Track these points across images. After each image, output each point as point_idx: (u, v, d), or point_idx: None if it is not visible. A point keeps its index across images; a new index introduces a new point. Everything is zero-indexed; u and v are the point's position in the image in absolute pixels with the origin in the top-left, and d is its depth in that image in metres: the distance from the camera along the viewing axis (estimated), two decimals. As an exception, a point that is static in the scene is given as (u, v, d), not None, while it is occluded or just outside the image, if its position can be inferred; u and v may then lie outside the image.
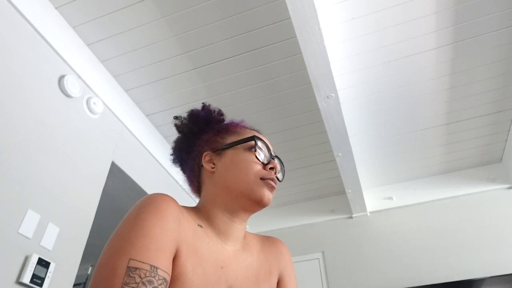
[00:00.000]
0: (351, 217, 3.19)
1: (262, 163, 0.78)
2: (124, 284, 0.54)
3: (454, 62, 2.16)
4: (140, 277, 0.55)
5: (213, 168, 0.80)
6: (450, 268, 2.68)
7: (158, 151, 2.57)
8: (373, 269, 2.89)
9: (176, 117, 0.89)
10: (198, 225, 0.73)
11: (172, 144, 0.91)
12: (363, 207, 3.09)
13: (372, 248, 2.98)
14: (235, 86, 2.29)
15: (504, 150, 2.85)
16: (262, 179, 0.76)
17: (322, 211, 3.29)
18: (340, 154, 2.51)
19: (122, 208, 1.76)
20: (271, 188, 0.77)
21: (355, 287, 2.87)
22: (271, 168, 0.79)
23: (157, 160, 2.56)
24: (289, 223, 3.32)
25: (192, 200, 1.15)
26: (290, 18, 1.71)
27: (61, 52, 1.84)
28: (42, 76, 1.74)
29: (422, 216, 2.97)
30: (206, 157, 0.81)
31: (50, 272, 1.52)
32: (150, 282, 0.55)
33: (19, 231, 1.45)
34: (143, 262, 0.57)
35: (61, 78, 1.83)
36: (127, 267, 0.55)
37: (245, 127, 0.86)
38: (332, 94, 2.07)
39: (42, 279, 1.48)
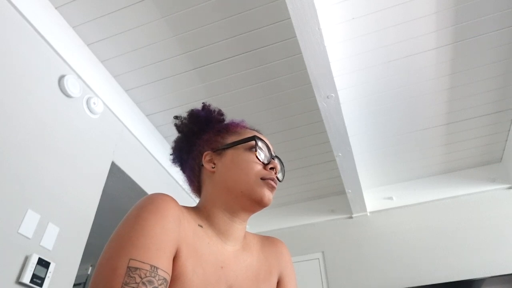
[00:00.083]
0: (351, 217, 3.19)
1: (263, 163, 0.78)
2: (124, 284, 0.54)
3: (454, 62, 2.16)
4: (140, 277, 0.55)
5: (213, 168, 0.80)
6: (450, 268, 2.68)
7: (158, 151, 2.57)
8: (373, 269, 2.89)
9: (176, 117, 0.89)
10: (199, 225, 0.73)
11: (172, 144, 0.91)
12: (363, 207, 3.09)
13: (372, 248, 2.98)
14: (235, 86, 2.29)
15: (504, 150, 2.85)
16: (262, 179, 0.76)
17: (322, 211, 3.29)
18: (340, 154, 2.51)
19: (122, 208, 1.76)
20: (271, 188, 0.77)
21: (355, 287, 2.87)
22: (271, 168, 0.79)
23: (157, 160, 2.56)
24: (289, 223, 3.32)
25: (192, 200, 1.15)
26: (290, 18, 1.71)
27: (61, 52, 1.84)
28: (42, 76, 1.74)
29: (422, 216, 2.97)
30: (206, 157, 0.81)
31: (50, 272, 1.52)
32: (150, 282, 0.55)
33: (19, 231, 1.45)
34: (143, 262, 0.57)
35: (61, 78, 1.83)
36: (127, 267, 0.55)
37: (246, 127, 0.86)
38: (332, 94, 2.07)
39: (42, 279, 1.48)
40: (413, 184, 3.13)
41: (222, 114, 0.90)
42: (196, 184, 0.85)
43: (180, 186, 2.68)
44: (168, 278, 0.60)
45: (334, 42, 2.03)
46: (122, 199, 2.38)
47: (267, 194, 0.76)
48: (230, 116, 0.92)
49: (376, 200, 3.16)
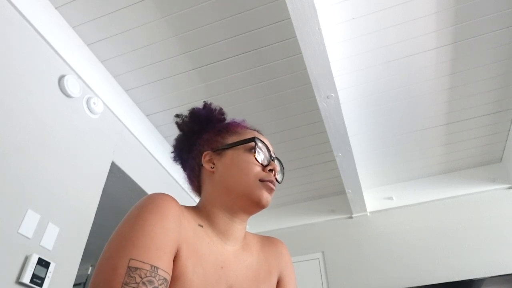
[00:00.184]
0: (351, 217, 3.19)
1: (262, 164, 0.78)
2: (125, 284, 0.54)
3: (454, 62, 2.16)
4: (141, 277, 0.55)
5: (213, 168, 0.79)
6: (450, 268, 2.68)
7: (158, 151, 2.56)
8: (373, 269, 2.89)
9: (177, 115, 0.89)
10: (199, 224, 0.73)
11: (173, 143, 0.91)
12: (363, 207, 3.09)
13: (372, 248, 2.98)
14: (235, 86, 2.29)
15: (504, 150, 2.85)
16: (261, 180, 0.76)
17: (322, 211, 3.29)
18: (340, 154, 2.51)
19: (122, 208, 1.76)
20: (270, 190, 0.77)
21: (355, 287, 2.87)
22: (271, 170, 0.78)
23: (157, 160, 2.56)
24: (289, 223, 3.32)
25: (192, 200, 1.15)
26: (290, 18, 1.71)
27: (61, 52, 1.84)
28: (42, 76, 1.73)
29: (422, 216, 2.97)
30: (206, 157, 0.81)
31: (50, 272, 1.52)
32: (150, 282, 0.55)
33: (19, 231, 1.45)
34: (143, 262, 0.57)
35: (61, 78, 1.83)
36: (128, 267, 0.55)
37: (246, 127, 0.86)
38: (332, 94, 2.07)
39: (42, 279, 1.48)
40: (413, 184, 3.13)
41: (223, 114, 0.90)
42: (196, 184, 0.85)
43: (180, 186, 2.68)
44: (169, 278, 0.60)
45: (334, 42, 2.03)
46: (122, 199, 2.38)
47: (265, 196, 0.76)
48: (230, 116, 0.92)
49: (376, 200, 3.16)
